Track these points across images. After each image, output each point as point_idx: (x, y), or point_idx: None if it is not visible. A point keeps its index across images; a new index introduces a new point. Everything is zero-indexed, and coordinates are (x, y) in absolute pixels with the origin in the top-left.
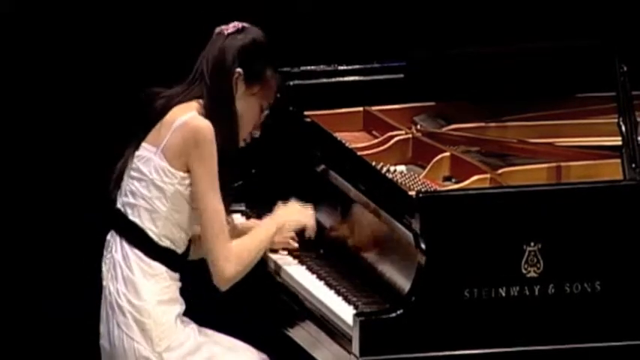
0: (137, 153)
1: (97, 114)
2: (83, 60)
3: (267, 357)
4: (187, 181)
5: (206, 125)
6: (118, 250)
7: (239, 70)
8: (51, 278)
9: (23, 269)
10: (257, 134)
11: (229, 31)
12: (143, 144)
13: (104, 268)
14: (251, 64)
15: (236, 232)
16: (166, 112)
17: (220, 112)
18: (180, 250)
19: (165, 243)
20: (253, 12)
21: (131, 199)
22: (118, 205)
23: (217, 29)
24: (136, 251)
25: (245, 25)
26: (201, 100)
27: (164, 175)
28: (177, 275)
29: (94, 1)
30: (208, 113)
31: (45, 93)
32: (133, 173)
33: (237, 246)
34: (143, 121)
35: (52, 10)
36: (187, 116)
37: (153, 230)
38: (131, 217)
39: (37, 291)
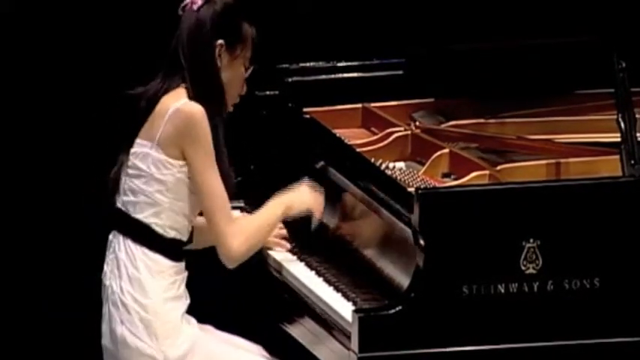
0: (132, 150)
1: (97, 114)
2: (84, 60)
3: (263, 349)
4: (186, 169)
5: (197, 110)
6: (122, 249)
7: (220, 42)
8: (51, 278)
9: (23, 269)
10: (244, 91)
11: (198, 4)
12: (137, 140)
13: (107, 269)
14: (230, 30)
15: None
16: (154, 106)
17: (208, 91)
18: (185, 238)
19: (170, 234)
20: (253, 12)
21: (132, 197)
22: (118, 205)
23: (183, 4)
24: (142, 248)
25: None
26: (186, 84)
27: (163, 167)
28: (182, 265)
29: (93, 1)
30: (197, 95)
31: (45, 93)
32: (130, 171)
33: (244, 223)
34: (131, 121)
35: (52, 10)
36: (179, 103)
37: (158, 223)
38: (134, 215)
39: (37, 291)
